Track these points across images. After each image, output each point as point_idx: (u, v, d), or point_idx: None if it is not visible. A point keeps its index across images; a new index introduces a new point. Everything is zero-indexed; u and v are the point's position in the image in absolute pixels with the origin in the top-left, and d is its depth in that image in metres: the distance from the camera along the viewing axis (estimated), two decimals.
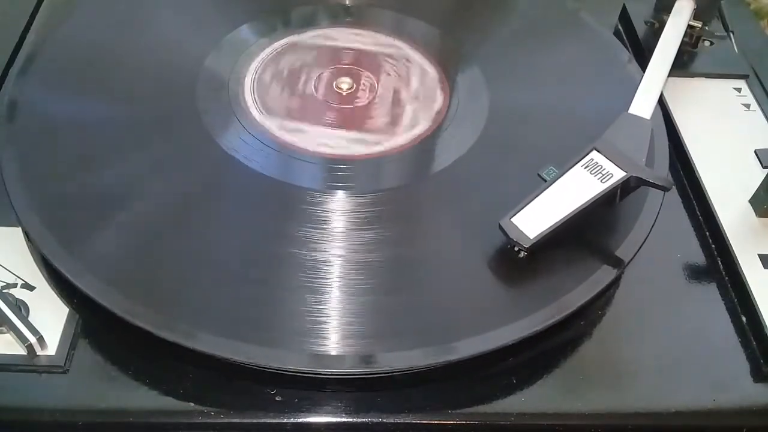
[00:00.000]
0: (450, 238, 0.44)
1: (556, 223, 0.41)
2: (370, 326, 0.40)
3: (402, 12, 0.59)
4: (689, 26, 0.58)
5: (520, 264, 0.42)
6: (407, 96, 0.52)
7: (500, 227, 0.42)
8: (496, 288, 0.42)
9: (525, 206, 0.42)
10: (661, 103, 0.55)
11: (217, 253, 0.43)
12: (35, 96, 0.49)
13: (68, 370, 0.39)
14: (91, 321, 0.41)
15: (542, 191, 0.43)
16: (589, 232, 0.44)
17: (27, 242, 0.44)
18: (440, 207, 0.46)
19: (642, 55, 0.59)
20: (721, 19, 0.63)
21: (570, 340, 0.43)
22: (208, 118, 0.49)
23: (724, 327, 0.44)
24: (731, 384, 0.42)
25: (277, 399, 0.39)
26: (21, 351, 0.39)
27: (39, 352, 0.39)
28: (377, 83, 0.53)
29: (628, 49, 0.61)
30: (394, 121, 0.50)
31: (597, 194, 0.42)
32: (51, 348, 0.40)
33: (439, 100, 0.52)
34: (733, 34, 0.62)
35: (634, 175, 0.43)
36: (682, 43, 0.56)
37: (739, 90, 0.58)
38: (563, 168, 0.44)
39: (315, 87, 0.53)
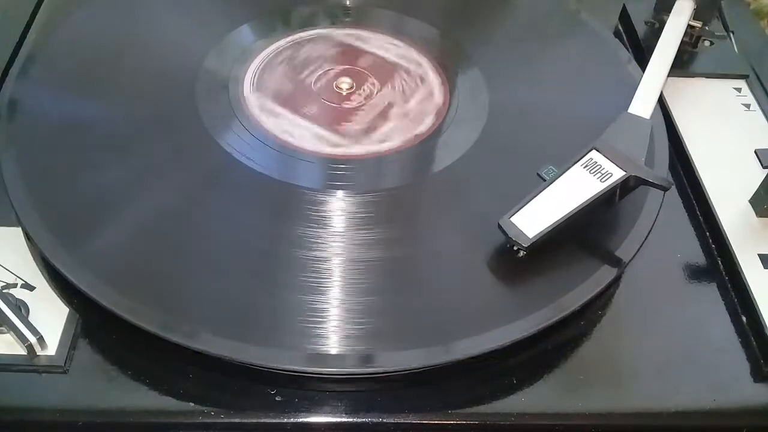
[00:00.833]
0: (450, 237, 0.44)
1: (556, 222, 0.41)
2: (370, 326, 0.40)
3: (402, 12, 0.59)
4: (689, 26, 0.58)
5: (520, 264, 0.42)
6: (397, 112, 0.51)
7: (499, 226, 0.42)
8: (496, 288, 0.42)
9: (524, 205, 0.42)
10: (661, 103, 0.55)
11: (217, 252, 0.43)
12: (35, 96, 0.49)
13: (68, 370, 0.39)
14: (91, 321, 0.41)
15: (541, 191, 0.43)
16: (589, 231, 0.44)
17: (27, 242, 0.44)
18: (440, 207, 0.46)
19: (642, 55, 0.59)
20: (721, 19, 0.63)
21: (570, 340, 0.43)
22: (208, 117, 0.49)
23: (724, 327, 0.44)
24: (731, 384, 0.42)
25: (277, 399, 0.39)
26: (21, 351, 0.39)
27: (39, 352, 0.39)
28: (377, 92, 0.53)
29: (628, 49, 0.61)
30: (368, 130, 0.50)
31: (596, 194, 0.42)
32: (51, 348, 0.40)
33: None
34: (733, 34, 0.62)
35: (633, 174, 0.43)
36: (682, 43, 0.56)
37: (739, 90, 0.58)
38: (563, 167, 0.44)
39: (316, 81, 0.53)
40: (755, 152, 0.53)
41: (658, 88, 0.49)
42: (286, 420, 0.39)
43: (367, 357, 0.39)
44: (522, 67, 0.56)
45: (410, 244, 0.44)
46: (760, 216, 0.49)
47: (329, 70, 0.54)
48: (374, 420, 0.39)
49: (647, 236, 0.44)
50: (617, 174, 0.43)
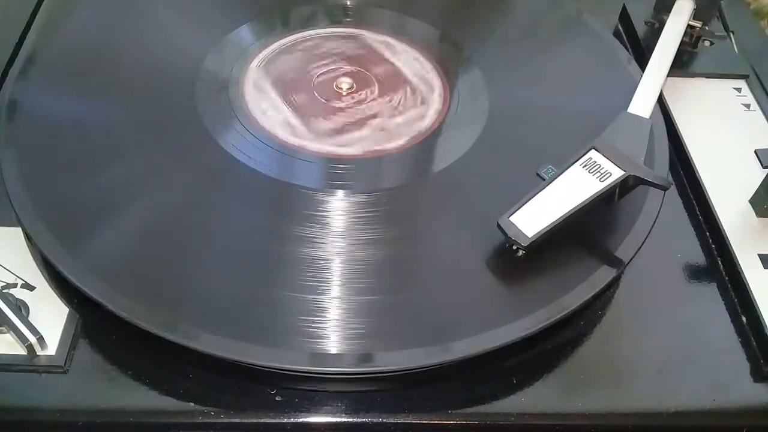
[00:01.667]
0: (450, 237, 0.44)
1: (555, 221, 0.41)
2: (370, 326, 0.40)
3: (402, 12, 0.59)
4: (689, 26, 0.58)
5: (520, 264, 0.42)
6: (377, 124, 0.51)
7: (499, 226, 0.42)
8: (496, 288, 0.42)
9: (523, 205, 0.42)
10: (661, 103, 0.55)
11: (217, 252, 0.43)
12: (35, 96, 0.49)
13: (68, 370, 0.39)
14: (91, 321, 0.41)
15: (541, 190, 0.43)
16: (589, 231, 0.44)
17: (27, 242, 0.44)
18: (440, 207, 0.46)
19: (642, 55, 0.59)
20: (721, 19, 0.63)
21: (570, 340, 0.43)
22: (207, 117, 0.49)
23: (724, 327, 0.44)
24: (731, 384, 0.42)
25: (277, 399, 0.39)
26: (21, 351, 0.39)
27: (39, 352, 0.39)
28: (370, 100, 0.52)
29: (628, 49, 0.61)
30: (336, 132, 0.50)
31: (595, 193, 0.42)
32: (51, 348, 0.40)
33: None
34: (733, 34, 0.62)
35: (632, 174, 0.43)
36: (682, 43, 0.56)
37: (739, 90, 0.58)
38: (562, 167, 0.44)
39: (321, 74, 0.53)
40: (755, 152, 0.53)
41: (657, 88, 0.49)
42: (286, 420, 0.39)
43: (367, 357, 0.39)
44: (522, 67, 0.56)
45: (410, 243, 0.44)
46: (760, 216, 0.49)
47: (340, 68, 0.54)
48: (374, 420, 0.39)
49: (647, 236, 0.44)
50: (616, 173, 0.43)
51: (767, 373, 0.42)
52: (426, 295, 0.42)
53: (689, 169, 0.52)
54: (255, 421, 0.39)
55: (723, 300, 0.46)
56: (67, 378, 0.39)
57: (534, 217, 0.42)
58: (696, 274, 0.47)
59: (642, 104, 0.48)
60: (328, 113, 0.51)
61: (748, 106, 0.57)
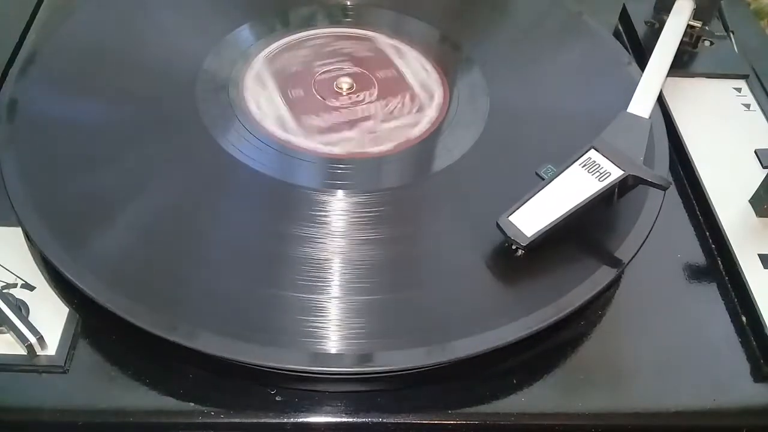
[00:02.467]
0: (450, 237, 0.44)
1: (554, 221, 0.41)
2: (370, 325, 0.40)
3: (402, 12, 0.59)
4: (689, 26, 0.58)
5: (520, 264, 0.42)
6: (367, 126, 0.50)
7: (498, 225, 0.42)
8: (497, 288, 0.42)
9: (523, 204, 0.42)
10: (661, 103, 0.55)
11: (217, 252, 0.43)
12: (35, 96, 0.49)
13: (68, 370, 0.39)
14: (91, 321, 0.41)
15: (540, 190, 0.43)
16: (589, 231, 0.44)
17: (27, 242, 0.44)
18: (440, 207, 0.46)
19: (642, 55, 0.59)
20: (721, 19, 0.63)
21: (570, 340, 0.43)
22: (208, 117, 0.49)
23: (724, 327, 0.44)
24: (731, 384, 0.42)
25: (277, 399, 0.39)
26: (21, 351, 0.39)
27: (39, 352, 0.39)
28: (367, 102, 0.52)
29: (628, 49, 0.61)
30: (326, 131, 0.50)
31: (594, 193, 0.42)
32: (51, 348, 0.40)
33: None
34: (733, 34, 0.62)
35: (631, 173, 0.43)
36: (682, 43, 0.56)
37: (739, 90, 0.58)
38: (561, 167, 0.44)
39: (324, 72, 0.53)
40: (755, 152, 0.53)
41: (657, 88, 0.49)
42: (286, 420, 0.39)
43: (367, 356, 0.39)
44: (522, 67, 0.56)
45: (410, 243, 0.44)
46: (760, 216, 0.49)
47: (344, 68, 0.54)
48: (374, 420, 0.39)
49: (647, 236, 0.44)
50: (616, 173, 0.43)
51: (767, 373, 0.42)
52: (426, 295, 0.42)
53: (689, 169, 0.52)
54: (255, 421, 0.39)
55: (723, 300, 0.46)
56: (67, 378, 0.39)
57: (533, 217, 0.42)
58: (696, 274, 0.47)
59: (641, 104, 0.48)
60: (322, 111, 0.51)
61: (748, 106, 0.57)
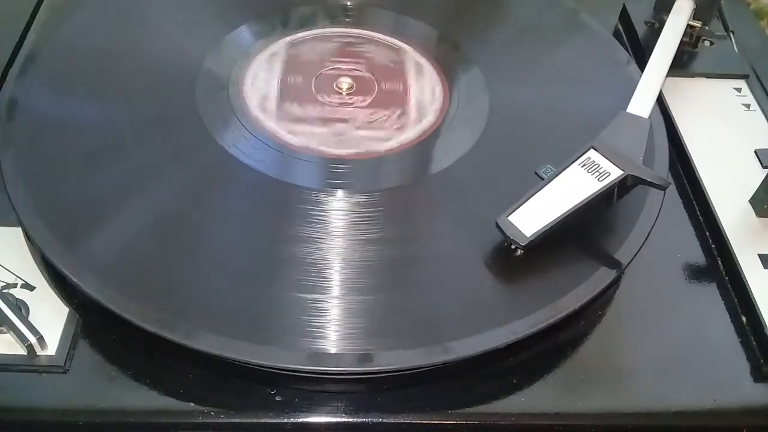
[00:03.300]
0: (450, 237, 0.44)
1: (553, 221, 0.41)
2: (369, 325, 0.40)
3: (402, 12, 0.59)
4: (689, 26, 0.58)
5: (520, 264, 0.42)
6: (338, 129, 0.50)
7: (497, 225, 0.42)
8: (497, 288, 0.42)
9: (522, 204, 0.42)
10: (661, 103, 0.55)
11: (217, 252, 0.43)
12: (35, 96, 0.49)
13: (68, 370, 0.39)
14: (91, 321, 0.41)
15: (539, 189, 0.43)
16: (589, 232, 0.44)
17: (27, 242, 0.44)
18: (440, 207, 0.46)
19: (642, 55, 0.59)
20: (721, 19, 0.63)
21: (570, 340, 0.43)
22: (207, 117, 0.49)
23: (724, 327, 0.44)
24: (731, 384, 0.42)
25: (277, 399, 0.39)
26: (21, 351, 0.39)
27: (39, 352, 0.39)
28: (354, 106, 0.52)
29: (628, 49, 0.61)
30: (296, 120, 0.50)
31: (594, 193, 0.42)
32: (51, 348, 0.40)
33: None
34: (733, 34, 0.62)
35: (630, 173, 0.43)
36: (682, 42, 0.56)
37: (739, 90, 0.58)
38: (561, 166, 0.44)
39: (331, 69, 0.54)
40: (755, 152, 0.53)
41: (656, 88, 0.49)
42: (286, 420, 0.39)
43: (366, 356, 0.39)
44: (522, 67, 0.56)
45: (410, 243, 0.44)
46: (760, 216, 0.49)
47: (356, 70, 0.54)
48: (374, 420, 0.39)
49: (647, 236, 0.44)
50: (615, 173, 0.43)
51: (767, 373, 0.42)
52: (425, 295, 0.42)
53: (689, 169, 0.52)
54: (255, 421, 0.39)
55: (723, 300, 0.46)
56: (67, 378, 0.39)
57: (533, 217, 0.42)
58: (696, 274, 0.47)
59: (641, 104, 0.48)
60: (308, 102, 0.52)
61: (748, 106, 0.57)
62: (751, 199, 0.50)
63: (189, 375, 0.40)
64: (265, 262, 0.42)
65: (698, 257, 0.48)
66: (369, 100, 0.52)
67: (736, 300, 0.46)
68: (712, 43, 0.61)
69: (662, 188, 0.44)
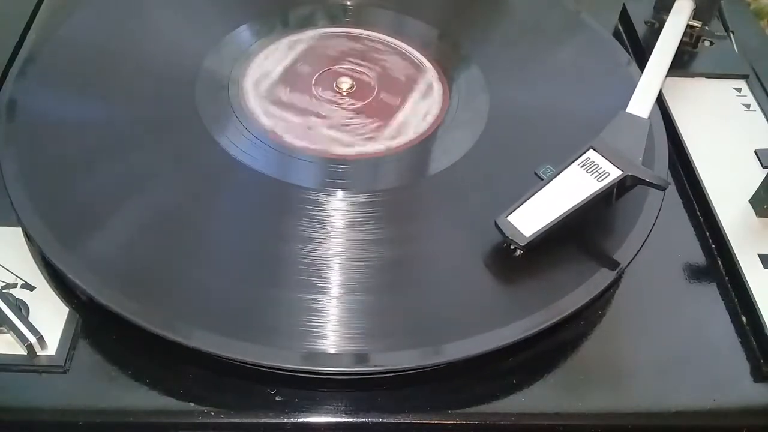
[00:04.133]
0: (449, 238, 0.44)
1: (553, 221, 0.41)
2: (369, 326, 0.40)
3: (402, 12, 0.59)
4: (689, 26, 0.58)
5: (520, 264, 0.42)
6: (314, 122, 0.50)
7: (496, 225, 0.42)
8: (496, 288, 0.42)
9: (521, 205, 0.42)
10: (661, 103, 0.55)
11: (216, 252, 0.43)
12: (35, 96, 0.49)
13: (68, 370, 0.39)
14: (91, 321, 0.41)
15: (539, 190, 0.43)
16: (589, 232, 0.44)
17: (27, 242, 0.44)
18: (439, 207, 0.46)
19: (642, 55, 0.59)
20: (721, 19, 0.63)
21: (570, 340, 0.43)
22: (207, 117, 0.49)
23: (724, 327, 0.44)
24: (731, 384, 0.42)
25: (277, 399, 0.39)
26: (21, 351, 0.39)
27: (39, 352, 0.39)
28: (343, 108, 0.52)
29: (628, 49, 0.61)
30: (279, 104, 0.51)
31: (593, 193, 0.42)
32: (51, 348, 0.40)
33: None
34: (733, 34, 0.62)
35: (630, 173, 0.43)
36: (682, 42, 0.56)
37: (739, 90, 0.58)
38: (560, 167, 0.44)
39: (338, 65, 0.54)
40: (755, 152, 0.53)
41: (656, 88, 0.49)
42: (286, 420, 0.39)
43: (365, 357, 0.39)
44: (522, 67, 0.56)
45: (410, 244, 0.44)
46: (760, 216, 0.49)
47: (366, 74, 0.54)
48: (374, 420, 0.39)
49: (647, 236, 0.44)
50: (614, 173, 0.43)
51: (767, 373, 0.42)
52: (425, 296, 0.42)
53: (689, 169, 0.52)
54: (255, 421, 0.39)
55: (723, 300, 0.46)
56: (67, 378, 0.39)
57: (532, 217, 0.42)
58: (696, 274, 0.47)
59: (640, 104, 0.48)
60: (299, 91, 0.52)
61: (748, 106, 0.57)
62: (751, 199, 0.50)
63: (189, 375, 0.40)
64: (265, 262, 0.42)
65: (698, 257, 0.48)
66: (359, 105, 0.52)
67: (736, 300, 0.46)
68: (712, 43, 0.61)
69: (661, 188, 0.44)
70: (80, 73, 0.51)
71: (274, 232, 0.44)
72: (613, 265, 0.43)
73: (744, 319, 0.45)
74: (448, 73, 0.55)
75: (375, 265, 0.42)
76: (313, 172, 0.48)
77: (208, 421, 0.38)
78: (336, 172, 0.47)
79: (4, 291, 0.41)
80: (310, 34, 0.56)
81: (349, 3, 0.60)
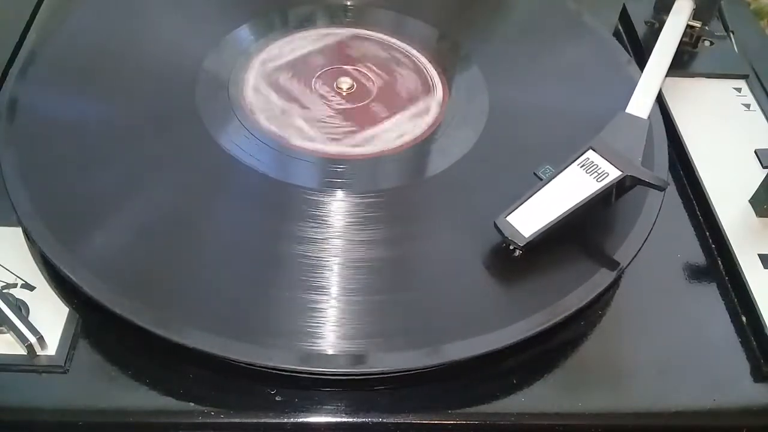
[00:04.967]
0: (448, 238, 0.44)
1: (552, 221, 0.41)
2: (368, 326, 0.40)
3: (402, 12, 0.59)
4: (689, 26, 0.58)
5: (519, 265, 0.42)
6: (300, 113, 0.50)
7: (495, 226, 0.42)
8: (495, 289, 0.42)
9: (520, 205, 0.42)
10: (661, 103, 0.55)
11: (216, 252, 0.43)
12: (35, 96, 0.49)
13: (68, 370, 0.39)
14: (91, 321, 0.41)
15: (538, 190, 0.43)
16: (589, 232, 0.44)
17: (27, 242, 0.44)
18: (439, 208, 0.46)
19: (642, 55, 0.59)
20: (721, 19, 0.63)
21: (570, 340, 0.43)
22: (207, 117, 0.49)
23: (724, 327, 0.44)
24: (731, 384, 0.42)
25: (277, 399, 0.39)
26: (21, 351, 0.39)
27: (39, 352, 0.39)
28: (335, 107, 0.51)
29: (628, 49, 0.61)
30: (272, 83, 0.51)
31: (592, 193, 0.42)
32: (51, 348, 0.40)
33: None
34: (733, 34, 0.62)
35: (629, 174, 0.43)
36: (682, 42, 0.56)
37: (739, 90, 0.58)
38: (559, 167, 0.44)
39: (349, 64, 0.54)
40: (755, 152, 0.53)
41: (656, 88, 0.49)
42: (286, 420, 0.39)
43: (364, 357, 0.39)
44: (522, 67, 0.56)
45: (409, 244, 0.44)
46: (760, 216, 0.49)
47: (372, 80, 0.54)
48: (374, 420, 0.39)
49: (647, 236, 0.44)
50: (613, 174, 0.43)
51: (767, 373, 0.42)
52: (425, 296, 0.42)
53: (689, 169, 0.52)
54: (255, 421, 0.39)
55: (723, 300, 0.46)
56: (67, 378, 0.39)
57: (531, 217, 0.42)
58: (696, 274, 0.47)
59: (640, 104, 0.48)
60: (298, 81, 0.52)
61: (748, 106, 0.57)
62: (751, 199, 0.50)
63: (189, 375, 0.40)
64: (265, 262, 0.42)
65: (698, 257, 0.48)
66: (345, 107, 0.52)
67: (736, 300, 0.46)
68: (712, 43, 0.61)
69: (661, 189, 0.44)
70: (80, 73, 0.51)
71: (274, 232, 0.44)
72: (613, 265, 0.43)
73: (744, 319, 0.45)
74: (448, 73, 0.55)
75: (374, 265, 0.42)
76: (314, 172, 0.48)
77: (208, 421, 0.38)
78: (336, 172, 0.47)
79: (4, 291, 0.41)
80: (344, 32, 0.56)
81: (349, 3, 0.60)
